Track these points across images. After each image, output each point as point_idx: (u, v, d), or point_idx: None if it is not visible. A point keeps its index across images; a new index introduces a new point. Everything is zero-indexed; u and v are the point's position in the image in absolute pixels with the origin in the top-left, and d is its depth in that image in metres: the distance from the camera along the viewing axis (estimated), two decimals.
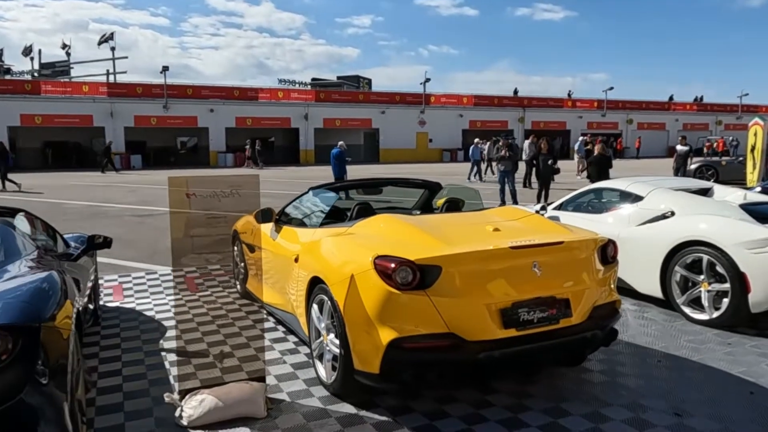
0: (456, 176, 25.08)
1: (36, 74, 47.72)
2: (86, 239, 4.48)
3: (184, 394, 3.30)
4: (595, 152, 12.89)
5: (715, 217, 4.89)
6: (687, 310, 4.94)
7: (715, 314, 4.70)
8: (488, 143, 23.46)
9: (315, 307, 3.64)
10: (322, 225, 4.21)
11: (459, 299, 3.00)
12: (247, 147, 32.65)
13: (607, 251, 3.57)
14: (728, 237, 4.60)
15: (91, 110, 34.48)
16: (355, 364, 3.16)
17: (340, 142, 15.62)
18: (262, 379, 3.53)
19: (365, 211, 4.36)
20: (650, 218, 5.45)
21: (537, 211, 6.52)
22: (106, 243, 4.55)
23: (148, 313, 5.45)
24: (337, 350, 3.31)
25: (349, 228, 3.79)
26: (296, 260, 4.02)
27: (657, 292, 5.19)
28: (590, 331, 3.29)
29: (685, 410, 3.26)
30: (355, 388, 3.29)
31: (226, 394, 3.22)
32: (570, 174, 22.65)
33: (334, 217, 4.69)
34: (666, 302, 5.16)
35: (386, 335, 2.97)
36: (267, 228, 4.87)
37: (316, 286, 3.60)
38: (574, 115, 47.43)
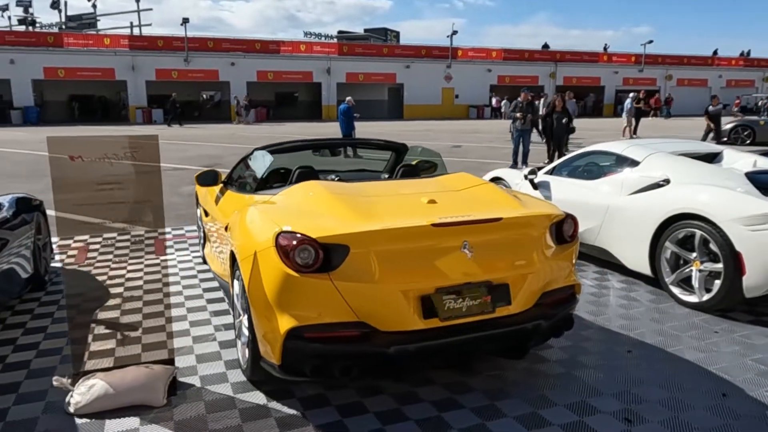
0: (481, 134, 24.23)
1: (63, 27, 47.70)
2: (14, 202, 4.19)
3: (80, 376, 3.02)
4: (557, 107, 13.04)
5: (712, 188, 4.30)
6: (676, 290, 4.42)
7: (706, 297, 4.18)
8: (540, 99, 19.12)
9: (236, 283, 3.28)
10: (257, 191, 3.81)
11: (369, 284, 2.58)
12: (233, 103, 32.24)
13: (564, 229, 3.08)
14: (724, 211, 4.02)
15: (112, 63, 34.37)
16: (261, 351, 2.80)
17: (348, 98, 15.06)
18: (170, 362, 3.22)
19: (307, 176, 3.94)
20: (643, 186, 4.88)
21: (525, 176, 6.00)
22: (36, 206, 4.25)
23: (100, 278, 5.18)
24: (248, 334, 2.97)
25: (273, 196, 3.38)
26: (227, 229, 3.65)
27: (646, 269, 4.67)
28: (532, 322, 2.84)
29: (640, 414, 2.82)
30: (266, 376, 2.94)
31: (120, 379, 2.91)
32: (611, 133, 21.58)
33: (284, 181, 4.28)
34: (656, 281, 4.65)
35: (285, 323, 2.59)
36: (216, 191, 4.52)
37: (235, 260, 3.23)
38: (610, 70, 45.25)
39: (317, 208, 2.94)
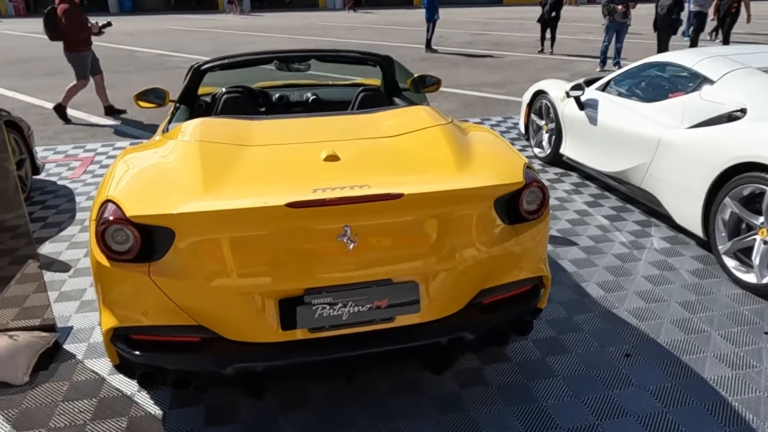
0: (582, 23, 21.00)
1: None
2: None
3: None
4: None
5: None
6: (730, 263, 3.33)
7: (767, 278, 3.08)
8: None
9: None
10: (169, 123, 3.12)
11: (203, 282, 1.88)
12: None
13: (522, 204, 2.15)
14: None
15: None
16: None
17: None
18: (50, 328, 2.80)
19: (236, 101, 3.18)
20: (711, 117, 3.62)
21: (567, 93, 4.81)
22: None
23: (78, 199, 4.90)
24: None
25: (164, 134, 2.68)
26: None
27: (698, 228, 3.56)
28: (448, 336, 2.04)
29: None
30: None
31: None
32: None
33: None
34: (710, 245, 3.55)
35: (107, 321, 2.00)
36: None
37: None
38: None
39: (177, 165, 2.20)
